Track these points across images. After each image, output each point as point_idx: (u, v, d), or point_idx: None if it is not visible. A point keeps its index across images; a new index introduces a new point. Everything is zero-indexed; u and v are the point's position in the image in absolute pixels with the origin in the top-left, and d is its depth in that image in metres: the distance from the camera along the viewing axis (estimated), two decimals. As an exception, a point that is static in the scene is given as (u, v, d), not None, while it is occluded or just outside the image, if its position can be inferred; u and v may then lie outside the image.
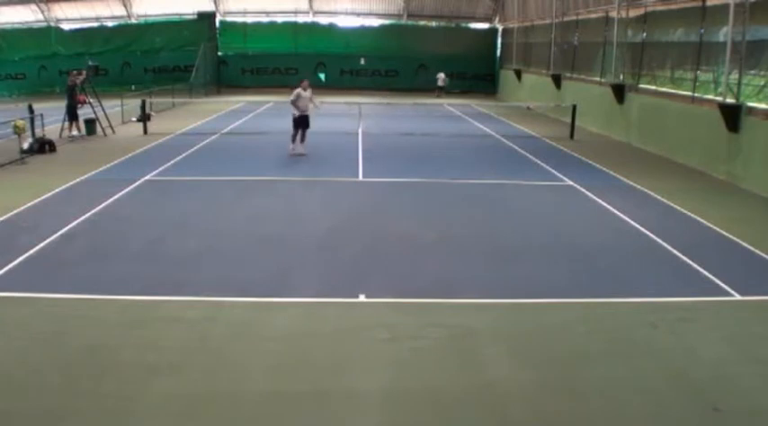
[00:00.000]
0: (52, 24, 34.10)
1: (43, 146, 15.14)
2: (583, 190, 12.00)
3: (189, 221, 9.61)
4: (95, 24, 34.58)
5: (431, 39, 35.34)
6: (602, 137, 19.47)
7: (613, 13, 19.68)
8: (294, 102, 14.88)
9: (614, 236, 9.23)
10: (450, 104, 28.28)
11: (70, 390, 4.85)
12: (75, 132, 17.66)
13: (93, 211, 9.82)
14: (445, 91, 33.30)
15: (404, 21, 36.19)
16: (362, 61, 35.23)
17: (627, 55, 18.97)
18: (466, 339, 5.84)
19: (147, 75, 32.63)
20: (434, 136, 19.04)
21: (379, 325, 6.05)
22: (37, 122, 15.86)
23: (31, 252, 7.86)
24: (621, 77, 19.13)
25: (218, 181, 12.34)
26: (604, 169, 14.22)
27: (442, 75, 33.45)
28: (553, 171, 13.81)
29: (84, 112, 18.32)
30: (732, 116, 12.94)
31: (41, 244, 8.13)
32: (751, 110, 12.74)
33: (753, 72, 13.33)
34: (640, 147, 17.22)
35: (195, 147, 15.99)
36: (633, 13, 18.70)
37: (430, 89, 34.11)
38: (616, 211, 10.47)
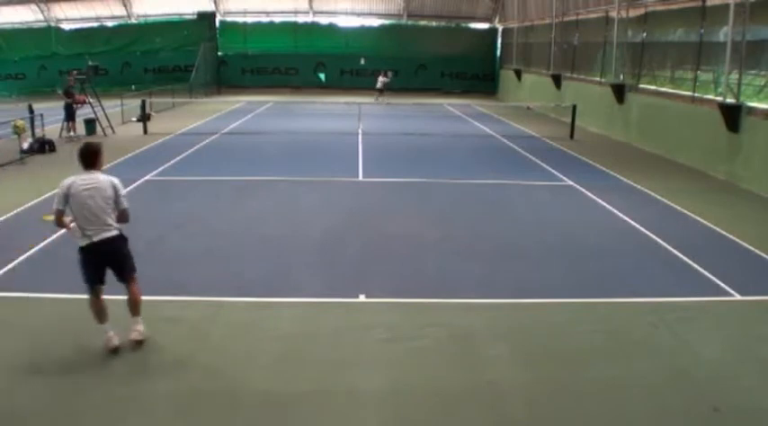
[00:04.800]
0: (52, 24, 34.11)
1: (43, 146, 15.15)
2: (583, 189, 12.00)
3: (189, 221, 9.60)
4: (95, 24, 34.62)
5: (431, 40, 35.36)
6: (602, 137, 19.47)
7: (613, 13, 19.68)
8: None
9: (614, 236, 9.23)
10: (450, 104, 28.28)
11: (70, 390, 4.85)
12: (71, 132, 17.62)
13: (93, 211, 9.80)
14: (386, 93, 29.56)
15: (404, 21, 36.21)
16: (362, 61, 35.23)
17: (627, 55, 18.97)
18: (466, 339, 5.84)
19: (147, 75, 32.68)
20: (434, 136, 19.04)
21: (379, 325, 6.05)
22: (37, 122, 15.88)
23: (32, 252, 7.86)
24: (621, 77, 19.13)
25: (218, 181, 12.33)
26: (604, 169, 14.22)
27: (382, 79, 29.82)
28: (553, 171, 13.81)
29: (84, 112, 18.34)
30: (732, 116, 12.94)
31: (41, 244, 8.12)
32: (751, 111, 12.75)
33: (753, 72, 13.34)
34: (640, 147, 17.22)
35: (195, 147, 15.99)
36: (633, 12, 18.71)
37: (430, 89, 34.16)
38: (616, 211, 10.47)
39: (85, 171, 5.39)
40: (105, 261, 5.43)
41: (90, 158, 5.42)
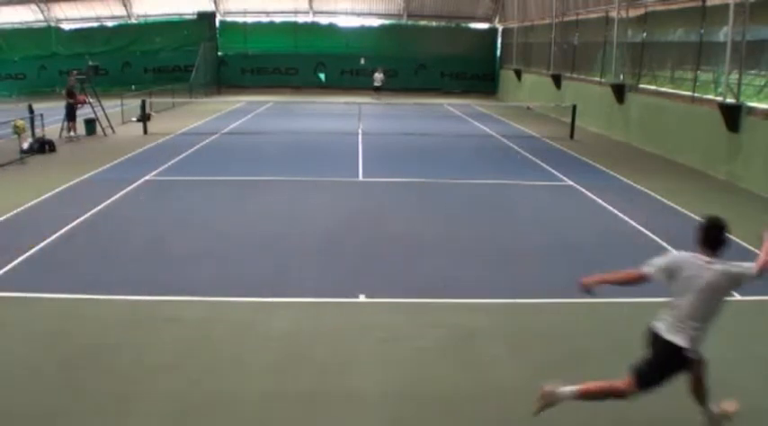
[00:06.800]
0: (52, 24, 34.11)
1: (43, 146, 15.15)
2: (583, 190, 12.00)
3: (189, 221, 9.60)
4: (95, 24, 34.61)
5: (431, 39, 35.36)
6: (602, 137, 19.47)
7: (613, 13, 19.68)
8: None
9: (614, 236, 9.23)
10: (450, 104, 28.27)
11: (70, 390, 4.85)
12: (72, 132, 17.59)
13: (93, 211, 9.82)
14: (382, 92, 30.58)
15: (404, 21, 36.20)
16: (362, 61, 35.23)
17: (627, 55, 18.97)
18: (466, 339, 5.84)
19: (147, 75, 32.66)
20: (434, 136, 19.03)
21: (379, 325, 6.05)
22: (37, 122, 15.87)
23: (31, 252, 7.86)
24: (621, 77, 19.13)
25: (218, 181, 12.34)
26: (604, 169, 14.22)
27: (379, 76, 31.04)
28: (553, 171, 13.81)
29: (84, 112, 18.33)
30: (732, 116, 12.94)
31: (41, 244, 8.12)
32: (751, 111, 12.75)
33: (753, 72, 13.34)
34: (640, 147, 17.22)
35: (195, 147, 15.99)
36: (633, 12, 18.71)
37: (430, 89, 34.14)
38: (616, 211, 10.47)
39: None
40: None
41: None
